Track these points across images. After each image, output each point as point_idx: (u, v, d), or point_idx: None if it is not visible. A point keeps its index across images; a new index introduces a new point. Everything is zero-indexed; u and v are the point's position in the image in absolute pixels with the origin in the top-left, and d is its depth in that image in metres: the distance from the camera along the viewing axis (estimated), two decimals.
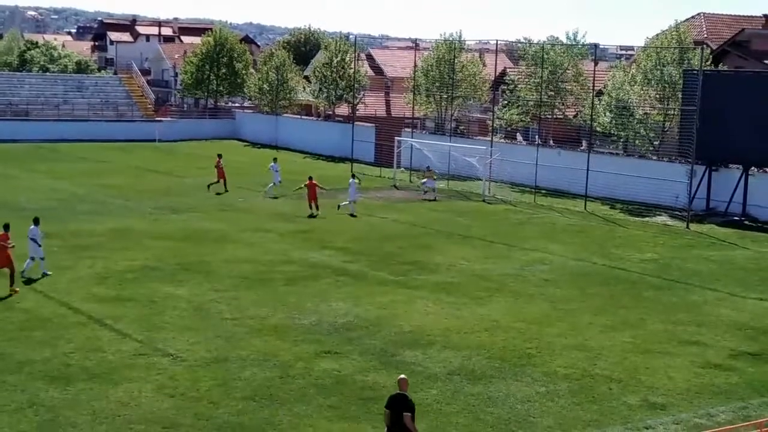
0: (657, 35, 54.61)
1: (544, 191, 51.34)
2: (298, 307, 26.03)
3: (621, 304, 27.78)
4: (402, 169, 56.91)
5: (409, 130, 63.15)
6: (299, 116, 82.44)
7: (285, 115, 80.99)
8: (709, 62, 51.03)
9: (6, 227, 27.58)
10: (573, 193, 50.00)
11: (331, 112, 78.36)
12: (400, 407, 14.96)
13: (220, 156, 50.67)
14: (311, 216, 42.08)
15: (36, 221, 29.41)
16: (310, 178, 43.09)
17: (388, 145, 59.76)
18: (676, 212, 45.07)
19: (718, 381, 20.98)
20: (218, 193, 47.90)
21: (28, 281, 28.11)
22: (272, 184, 48.33)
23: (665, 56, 51.00)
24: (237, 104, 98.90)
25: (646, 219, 44.74)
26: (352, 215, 42.41)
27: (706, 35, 60.94)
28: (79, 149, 67.89)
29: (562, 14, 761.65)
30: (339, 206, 43.31)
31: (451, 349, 22.59)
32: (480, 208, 46.72)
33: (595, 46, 56.06)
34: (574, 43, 60.37)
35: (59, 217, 39.35)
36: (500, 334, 24.01)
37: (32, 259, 28.90)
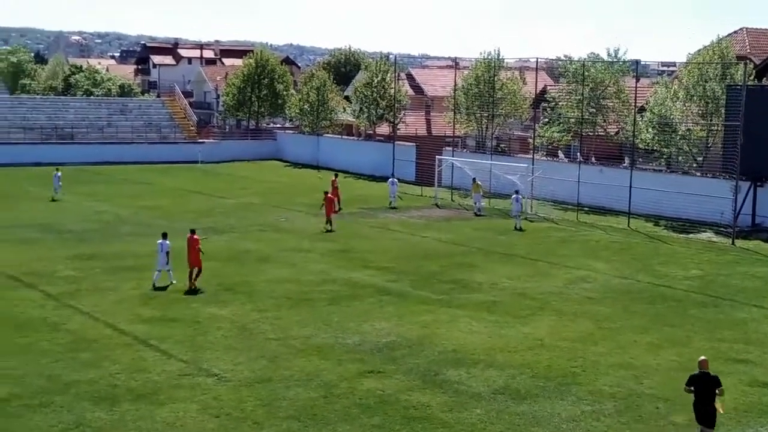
0: (699, 51, 54.18)
1: (586, 208, 51.04)
2: (341, 326, 26.05)
3: (666, 321, 27.49)
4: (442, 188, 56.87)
5: (450, 148, 63.10)
6: (340, 136, 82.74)
7: (326, 135, 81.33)
8: (752, 77, 50.49)
9: (193, 231, 31.49)
10: (616, 210, 49.63)
11: (371, 132, 78.56)
12: (709, 385, 17.33)
13: (336, 175, 52.87)
14: (328, 231, 42.82)
15: (165, 236, 31.33)
16: (326, 193, 44.40)
17: (428, 164, 59.77)
18: (721, 228, 44.57)
19: (766, 399, 20.67)
20: (336, 211, 47.01)
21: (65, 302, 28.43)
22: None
23: (708, 72, 50.58)
24: (278, 125, 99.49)
25: (691, 235, 44.29)
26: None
27: (748, 50, 60.28)
28: (122, 171, 68.65)
29: (602, 31, 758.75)
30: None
31: (495, 368, 22.48)
32: (522, 227, 46.48)
33: (637, 62, 55.72)
34: (615, 59, 60.05)
35: (103, 238, 39.81)
36: (544, 353, 23.85)
37: (159, 271, 30.80)
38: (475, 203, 51.41)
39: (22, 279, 31.43)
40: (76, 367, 22.01)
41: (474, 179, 52.53)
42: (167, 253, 30.91)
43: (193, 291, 30.16)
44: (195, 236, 31.26)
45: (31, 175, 65.34)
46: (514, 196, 46.90)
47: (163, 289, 30.49)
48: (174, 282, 30.94)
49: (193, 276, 30.57)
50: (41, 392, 20.16)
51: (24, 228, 42.09)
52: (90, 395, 20.05)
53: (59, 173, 54.17)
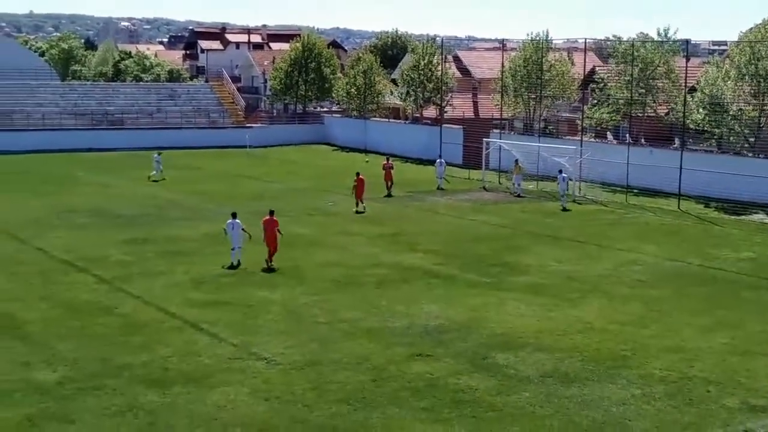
0: (751, 29, 53.32)
1: (635, 191, 50.57)
2: (389, 310, 26.13)
3: (718, 304, 27.22)
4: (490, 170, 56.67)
5: (498, 131, 62.80)
6: (387, 119, 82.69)
7: (373, 118, 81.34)
8: None
9: (272, 213, 32.37)
10: (666, 192, 49.12)
11: (418, 115, 78.43)
12: None
13: (387, 159, 53.10)
14: (358, 212, 43.54)
15: (234, 215, 32.30)
16: (358, 174, 44.87)
17: (476, 147, 59.55)
18: None
19: None
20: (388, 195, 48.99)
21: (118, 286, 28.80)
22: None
23: (759, 50, 49.78)
24: (325, 109, 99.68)
25: (743, 217, 43.73)
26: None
27: None
28: (172, 156, 69.13)
29: (652, 10, 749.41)
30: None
31: (543, 352, 22.42)
32: (570, 209, 46.21)
33: (687, 42, 55.00)
34: (665, 39, 59.29)
35: (154, 223, 40.22)
36: (594, 336, 23.74)
37: (233, 249, 31.73)
38: (516, 184, 51.41)
39: (75, 263, 31.88)
40: (128, 350, 22.31)
41: (516, 161, 52.34)
42: (243, 230, 31.90)
43: (270, 269, 31.14)
44: (274, 218, 32.14)
45: (82, 160, 66.14)
46: (560, 175, 46.90)
47: (234, 267, 31.29)
48: (237, 263, 31.61)
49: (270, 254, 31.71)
50: (95, 375, 20.47)
51: (76, 213, 42.65)
52: (142, 378, 20.33)
53: (159, 156, 56.93)
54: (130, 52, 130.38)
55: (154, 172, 56.09)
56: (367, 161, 51.66)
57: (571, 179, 48.88)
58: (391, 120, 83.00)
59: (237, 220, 32.16)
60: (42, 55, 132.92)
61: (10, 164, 63.03)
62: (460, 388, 19.96)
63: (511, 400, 19.30)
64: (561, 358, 21.96)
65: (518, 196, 50.54)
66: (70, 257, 32.87)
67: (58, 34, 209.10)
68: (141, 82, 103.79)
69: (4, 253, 33.47)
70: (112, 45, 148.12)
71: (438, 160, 54.77)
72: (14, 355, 21.85)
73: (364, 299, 27.35)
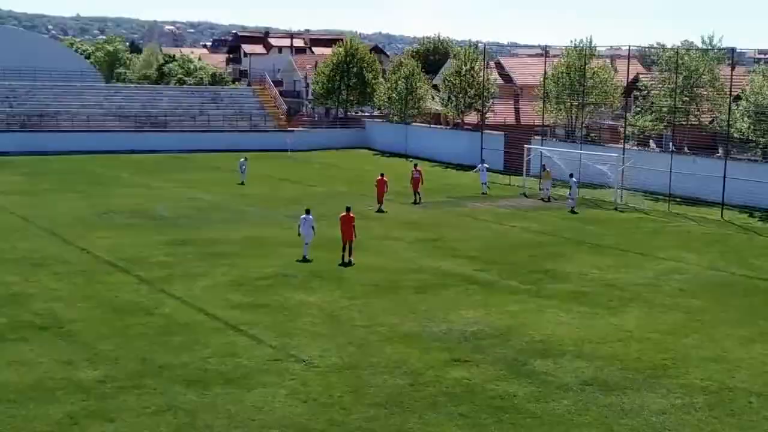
0: None
1: (678, 199, 50.15)
2: (428, 315, 26.11)
3: (761, 315, 26.91)
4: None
5: (539, 137, 62.55)
6: (428, 125, 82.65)
7: (414, 123, 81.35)
8: None
9: (348, 209, 33.97)
10: (709, 201, 48.67)
11: (460, 121, 78.33)
12: None
13: (416, 164, 52.98)
14: (379, 211, 44.80)
15: (308, 211, 34.05)
16: (382, 175, 46.29)
17: (517, 153, 59.38)
18: None
19: None
20: (414, 203, 48.84)
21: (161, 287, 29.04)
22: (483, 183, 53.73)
23: None
24: (367, 113, 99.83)
25: None
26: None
27: None
28: (214, 159, 69.70)
29: (696, 17, 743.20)
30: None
31: (583, 359, 22.29)
32: (612, 217, 45.95)
33: (732, 50, 54.49)
34: (710, 47, 58.76)
35: (195, 225, 40.53)
36: (634, 345, 23.57)
37: (307, 244, 33.47)
38: (544, 190, 51.76)
39: (117, 264, 32.20)
40: (168, 350, 22.49)
41: (544, 166, 52.93)
42: (312, 227, 33.46)
43: (347, 264, 32.67)
44: (351, 214, 33.75)
45: (125, 162, 66.80)
46: (571, 180, 47.55)
47: (306, 261, 32.87)
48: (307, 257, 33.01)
49: (347, 249, 33.34)
50: (135, 375, 20.66)
51: (119, 214, 43.10)
52: (182, 378, 20.48)
53: (245, 161, 57.63)
54: (174, 56, 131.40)
55: (242, 176, 56.56)
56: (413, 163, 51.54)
57: (611, 186, 48.64)
58: (432, 125, 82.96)
59: (310, 216, 33.79)
60: (88, 57, 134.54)
61: (55, 164, 63.84)
62: (498, 394, 19.90)
63: (549, 407, 19.20)
64: (600, 366, 21.81)
65: (547, 200, 50.79)
66: (113, 257, 33.21)
67: (104, 37, 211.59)
68: (184, 85, 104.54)
69: (48, 253, 33.89)
70: (156, 48, 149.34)
71: (480, 165, 55.15)
72: (57, 353, 22.10)
73: (403, 304, 27.35)
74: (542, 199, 51.11)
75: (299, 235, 33.48)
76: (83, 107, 79.59)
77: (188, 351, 22.43)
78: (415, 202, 48.64)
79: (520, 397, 19.77)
